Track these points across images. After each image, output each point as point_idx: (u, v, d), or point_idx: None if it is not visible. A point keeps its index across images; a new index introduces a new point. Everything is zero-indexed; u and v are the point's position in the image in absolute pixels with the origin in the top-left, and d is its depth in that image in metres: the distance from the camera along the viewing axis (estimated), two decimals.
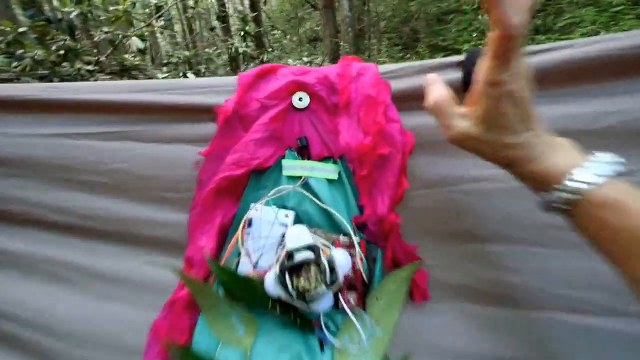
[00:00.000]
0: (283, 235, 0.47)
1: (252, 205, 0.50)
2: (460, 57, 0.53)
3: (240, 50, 5.10)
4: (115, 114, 0.53)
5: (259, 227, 0.49)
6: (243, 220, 0.48)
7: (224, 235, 0.50)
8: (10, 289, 0.50)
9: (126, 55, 3.98)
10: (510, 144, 0.33)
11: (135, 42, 3.94)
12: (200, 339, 0.47)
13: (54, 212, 0.52)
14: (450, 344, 0.48)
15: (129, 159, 0.52)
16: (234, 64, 5.57)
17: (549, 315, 0.47)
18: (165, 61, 4.94)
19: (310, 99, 0.52)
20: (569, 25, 6.21)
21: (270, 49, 6.87)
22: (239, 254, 0.48)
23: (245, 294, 0.46)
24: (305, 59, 6.79)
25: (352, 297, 0.47)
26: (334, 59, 7.12)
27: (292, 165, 0.51)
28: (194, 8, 5.97)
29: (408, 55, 8.71)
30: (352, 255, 0.48)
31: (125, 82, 0.58)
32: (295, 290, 0.42)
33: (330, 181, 0.51)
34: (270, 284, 0.44)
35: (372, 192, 0.50)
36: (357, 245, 0.48)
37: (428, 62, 0.54)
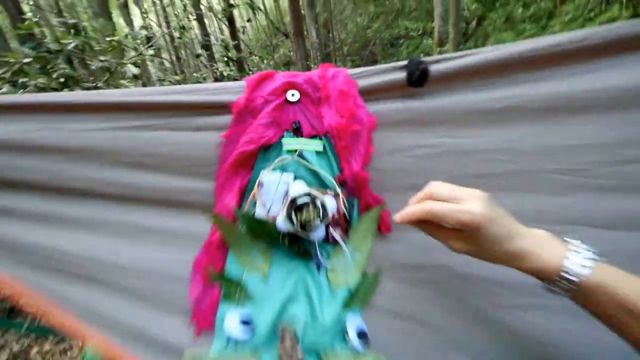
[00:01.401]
0: (286, 192, 0.58)
1: (262, 172, 0.60)
2: (404, 62, 0.65)
3: (225, 73, 5.14)
4: (155, 111, 0.62)
5: (269, 186, 0.59)
6: (257, 182, 0.59)
7: (243, 195, 0.60)
8: (82, 245, 0.58)
9: (122, 81, 3.96)
10: (504, 253, 0.38)
11: (131, 69, 3.94)
12: (230, 268, 0.57)
13: (110, 185, 0.61)
14: (410, 260, 0.59)
15: (167, 144, 0.61)
16: None
17: None
18: (157, 85, 4.90)
19: (300, 94, 0.63)
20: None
21: (250, 72, 6.93)
22: (255, 204, 0.58)
23: (262, 232, 0.56)
24: None
25: (338, 232, 0.58)
26: None
27: (290, 142, 0.62)
28: (180, 38, 5.95)
29: None
30: (337, 203, 0.59)
31: (160, 88, 0.67)
32: (299, 223, 0.52)
33: (318, 152, 0.62)
34: (281, 222, 0.54)
35: (348, 158, 0.61)
36: (340, 195, 0.59)
37: (383, 66, 0.66)
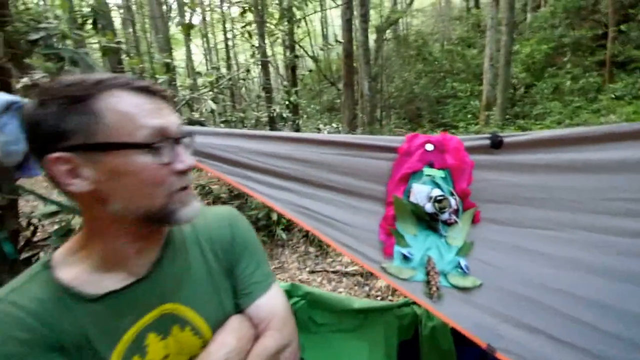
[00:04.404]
0: (427, 195, 1.23)
1: (413, 184, 1.26)
2: (489, 135, 1.32)
3: (284, 115, 6.08)
4: (353, 147, 1.31)
5: (417, 192, 1.24)
6: (411, 189, 1.24)
7: (402, 194, 1.26)
8: (318, 207, 1.24)
9: (194, 114, 4.92)
10: None
11: (210, 104, 4.90)
12: (398, 228, 1.21)
13: (326, 181, 1.28)
14: (488, 237, 1.21)
15: (359, 164, 1.29)
16: (272, 124, 6.59)
17: None
18: (224, 119, 5.87)
19: (433, 146, 1.31)
20: (541, 114, 7.41)
21: (304, 116, 7.97)
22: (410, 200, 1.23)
23: (416, 212, 1.21)
24: (321, 126, 7.87)
25: (453, 217, 1.22)
26: (351, 125, 8.20)
27: (428, 171, 1.28)
28: (244, 80, 7.09)
29: (411, 127, 9.99)
30: (456, 201, 1.23)
31: (354, 135, 1.36)
32: (439, 207, 1.17)
33: (442, 177, 1.28)
34: (429, 207, 1.19)
35: (459, 181, 1.26)
36: (457, 198, 1.23)
37: (476, 136, 1.33)
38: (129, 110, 0.56)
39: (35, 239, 1.69)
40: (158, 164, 0.58)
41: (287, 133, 1.38)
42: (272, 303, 0.77)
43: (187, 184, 0.64)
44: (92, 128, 0.54)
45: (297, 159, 1.29)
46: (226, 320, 0.72)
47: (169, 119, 0.61)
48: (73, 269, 0.61)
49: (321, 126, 6.82)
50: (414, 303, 1.57)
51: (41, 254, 1.73)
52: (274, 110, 6.35)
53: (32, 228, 1.63)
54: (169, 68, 4.81)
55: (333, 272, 4.33)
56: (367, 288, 3.98)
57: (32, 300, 0.57)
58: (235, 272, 0.78)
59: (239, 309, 0.76)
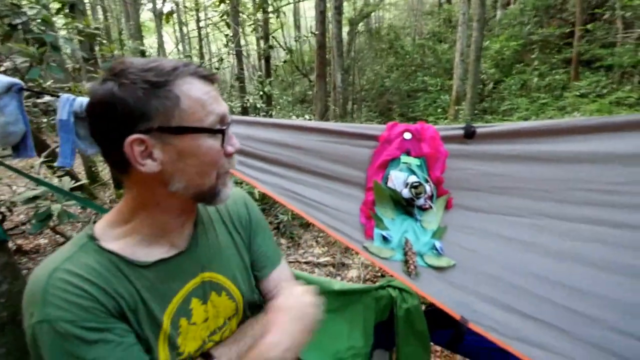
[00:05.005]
0: (404, 181, 1.31)
1: (391, 171, 1.34)
2: (463, 125, 1.42)
3: (258, 105, 6.05)
4: (337, 134, 1.37)
5: (395, 178, 1.32)
6: (389, 176, 1.32)
7: (381, 180, 1.34)
8: (317, 196, 1.29)
9: None
10: None
11: None
12: (377, 212, 1.29)
13: (316, 168, 1.34)
14: (459, 222, 1.31)
15: (342, 150, 1.36)
16: (245, 115, 6.53)
17: None
18: None
19: (411, 135, 1.39)
20: (509, 109, 7.78)
21: (277, 107, 7.94)
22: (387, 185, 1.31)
23: (394, 197, 1.29)
24: (294, 117, 7.89)
25: (428, 202, 1.31)
26: (323, 118, 8.27)
27: (405, 159, 1.36)
28: (218, 69, 6.95)
29: (381, 121, 10.20)
30: (430, 188, 1.32)
31: (341, 123, 1.43)
32: (415, 193, 1.26)
33: (417, 165, 1.37)
34: (406, 192, 1.27)
35: (433, 169, 1.35)
36: (431, 185, 1.33)
37: (450, 126, 1.42)
38: (200, 97, 0.60)
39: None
40: (219, 147, 0.63)
41: (276, 120, 1.43)
42: (283, 273, 0.87)
43: (233, 166, 0.69)
44: (169, 112, 0.58)
45: (287, 145, 1.36)
46: (251, 286, 0.81)
47: (226, 106, 0.65)
48: (118, 241, 0.64)
49: (294, 118, 6.83)
50: (390, 286, 1.67)
51: (9, 244, 1.69)
52: (248, 100, 6.30)
53: (0, 217, 1.58)
54: (144, 55, 4.66)
55: (305, 262, 4.41)
56: (339, 278, 4.09)
57: (87, 268, 0.59)
58: (252, 248, 0.85)
59: (256, 280, 0.84)
